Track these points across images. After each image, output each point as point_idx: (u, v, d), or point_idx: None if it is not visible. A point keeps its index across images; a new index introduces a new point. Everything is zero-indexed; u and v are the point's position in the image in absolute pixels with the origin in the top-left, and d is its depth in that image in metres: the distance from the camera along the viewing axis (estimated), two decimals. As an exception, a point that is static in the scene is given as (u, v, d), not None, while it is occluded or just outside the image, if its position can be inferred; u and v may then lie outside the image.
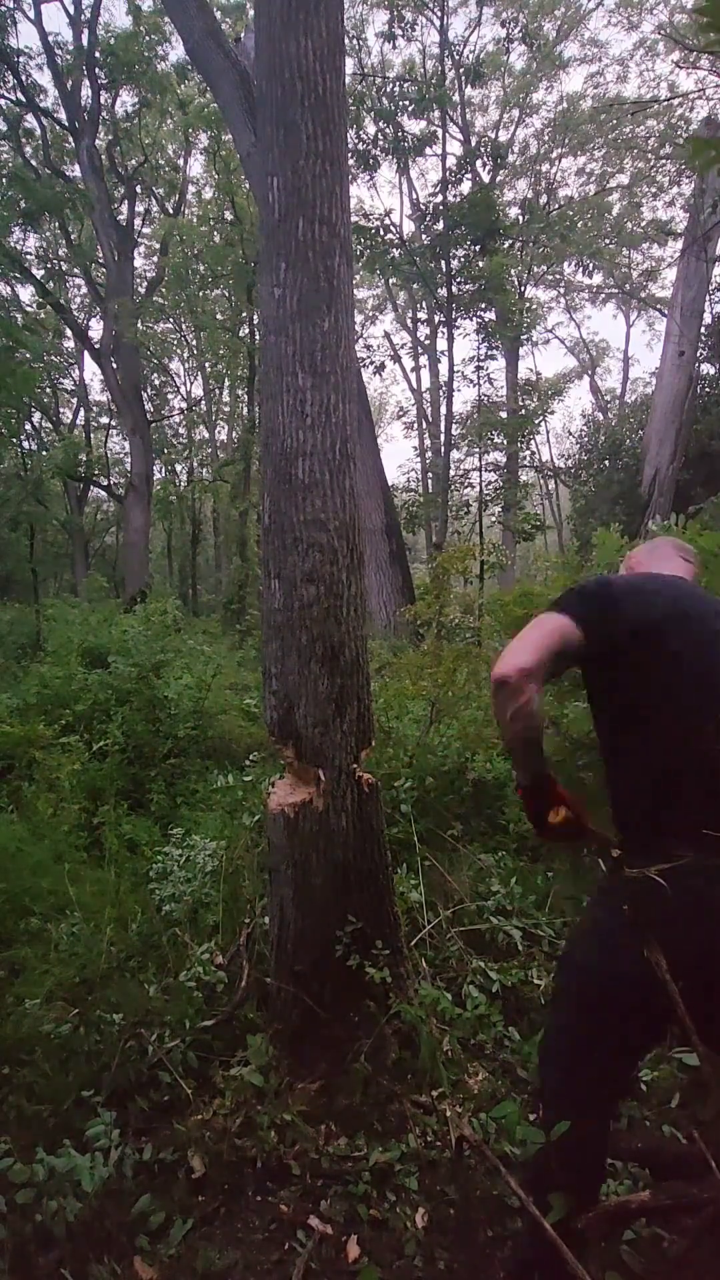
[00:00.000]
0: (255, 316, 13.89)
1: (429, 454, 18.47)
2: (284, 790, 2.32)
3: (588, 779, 3.15)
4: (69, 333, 17.95)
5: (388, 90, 11.97)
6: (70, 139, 14.55)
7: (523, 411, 15.90)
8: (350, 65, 12.02)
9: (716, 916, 1.27)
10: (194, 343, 20.34)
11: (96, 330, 17.33)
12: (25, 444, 16.52)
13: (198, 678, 5.19)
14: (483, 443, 14.98)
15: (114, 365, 15.14)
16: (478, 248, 12.51)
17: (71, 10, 13.63)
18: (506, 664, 1.35)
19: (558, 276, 19.37)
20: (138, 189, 16.26)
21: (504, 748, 1.51)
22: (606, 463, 13.42)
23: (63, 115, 14.45)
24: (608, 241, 15.99)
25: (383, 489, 11.50)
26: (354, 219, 8.84)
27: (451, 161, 13.06)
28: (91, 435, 20.01)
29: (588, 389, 25.20)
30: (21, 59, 13.38)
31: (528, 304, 16.75)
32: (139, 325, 15.05)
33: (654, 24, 16.14)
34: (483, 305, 13.36)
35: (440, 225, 12.62)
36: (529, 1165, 1.43)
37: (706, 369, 12.64)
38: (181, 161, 17.34)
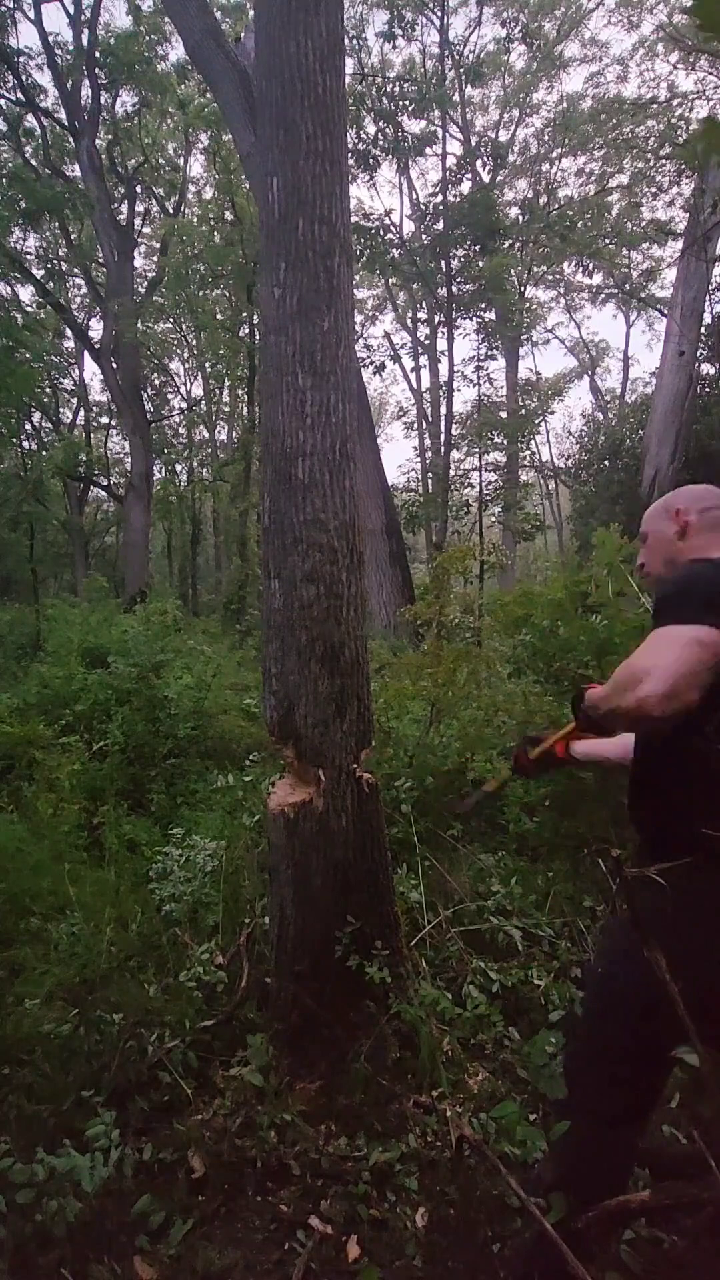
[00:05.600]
0: (255, 316, 13.89)
1: (429, 454, 18.46)
2: (284, 790, 2.32)
3: (587, 778, 3.15)
4: (69, 333, 17.95)
5: (388, 90, 11.98)
6: (70, 139, 14.54)
7: (523, 411, 15.92)
8: (350, 65, 12.01)
9: (704, 914, 1.27)
10: (194, 343, 20.34)
11: (96, 330, 17.34)
12: (25, 444, 16.51)
13: (198, 678, 5.18)
14: (483, 443, 14.98)
15: (114, 365, 15.14)
16: (478, 248, 12.52)
17: (71, 10, 13.63)
18: (657, 697, 1.15)
19: (558, 276, 19.36)
20: (138, 189, 16.25)
21: (587, 725, 1.45)
22: (606, 463, 13.43)
23: (63, 115, 14.45)
24: (608, 241, 15.94)
25: (383, 489, 11.50)
26: (354, 219, 8.84)
27: (451, 161, 13.09)
28: (91, 435, 20.01)
29: (588, 389, 25.25)
30: (21, 59, 13.41)
31: (528, 304, 16.77)
32: (139, 325, 15.05)
33: (654, 24, 16.14)
34: (483, 305, 13.38)
35: (440, 225, 12.63)
36: (546, 1175, 1.41)
37: (706, 369, 12.64)
38: (181, 161, 17.34)
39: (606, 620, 3.43)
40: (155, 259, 17.57)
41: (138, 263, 17.01)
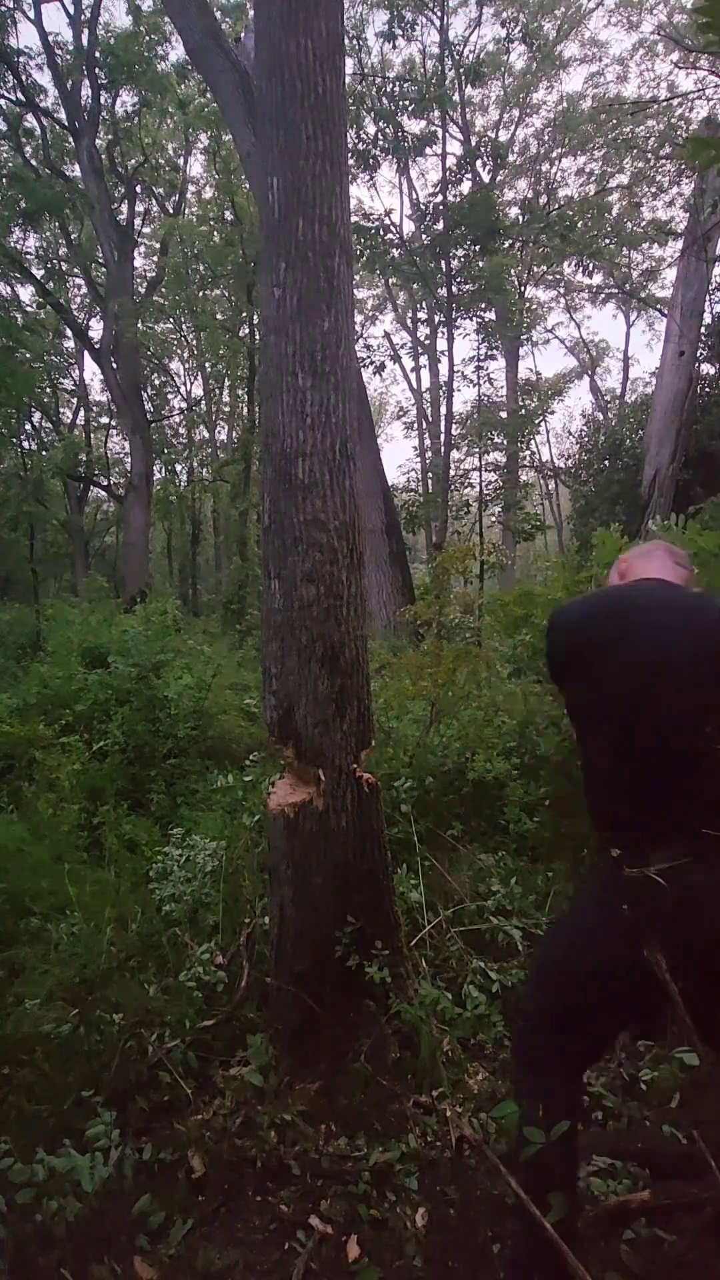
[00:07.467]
0: (255, 316, 13.90)
1: (429, 454, 18.46)
2: (284, 790, 2.32)
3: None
4: (69, 333, 17.94)
5: (388, 90, 11.96)
6: (70, 139, 14.55)
7: (523, 411, 15.92)
8: (350, 65, 12.00)
9: (704, 914, 1.28)
10: (194, 343, 20.33)
11: (96, 330, 17.33)
12: (25, 444, 16.54)
13: (198, 678, 5.18)
14: (483, 443, 15.00)
15: (114, 365, 15.14)
16: (478, 248, 12.52)
17: (71, 10, 13.64)
18: None
19: (558, 276, 19.35)
20: (138, 189, 16.25)
21: None
22: (606, 463, 13.40)
23: (63, 115, 14.45)
24: (608, 241, 15.93)
25: (383, 489, 11.49)
26: (354, 219, 8.83)
27: (451, 161, 13.07)
28: (91, 435, 20.00)
29: (588, 389, 25.21)
30: (21, 59, 13.41)
31: (528, 304, 16.77)
32: (139, 325, 15.04)
33: (654, 24, 16.14)
34: (483, 305, 13.39)
35: (440, 225, 12.62)
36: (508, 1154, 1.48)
37: (706, 369, 12.62)
38: (181, 161, 17.35)
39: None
40: (155, 259, 17.57)
41: (138, 263, 17.04)
